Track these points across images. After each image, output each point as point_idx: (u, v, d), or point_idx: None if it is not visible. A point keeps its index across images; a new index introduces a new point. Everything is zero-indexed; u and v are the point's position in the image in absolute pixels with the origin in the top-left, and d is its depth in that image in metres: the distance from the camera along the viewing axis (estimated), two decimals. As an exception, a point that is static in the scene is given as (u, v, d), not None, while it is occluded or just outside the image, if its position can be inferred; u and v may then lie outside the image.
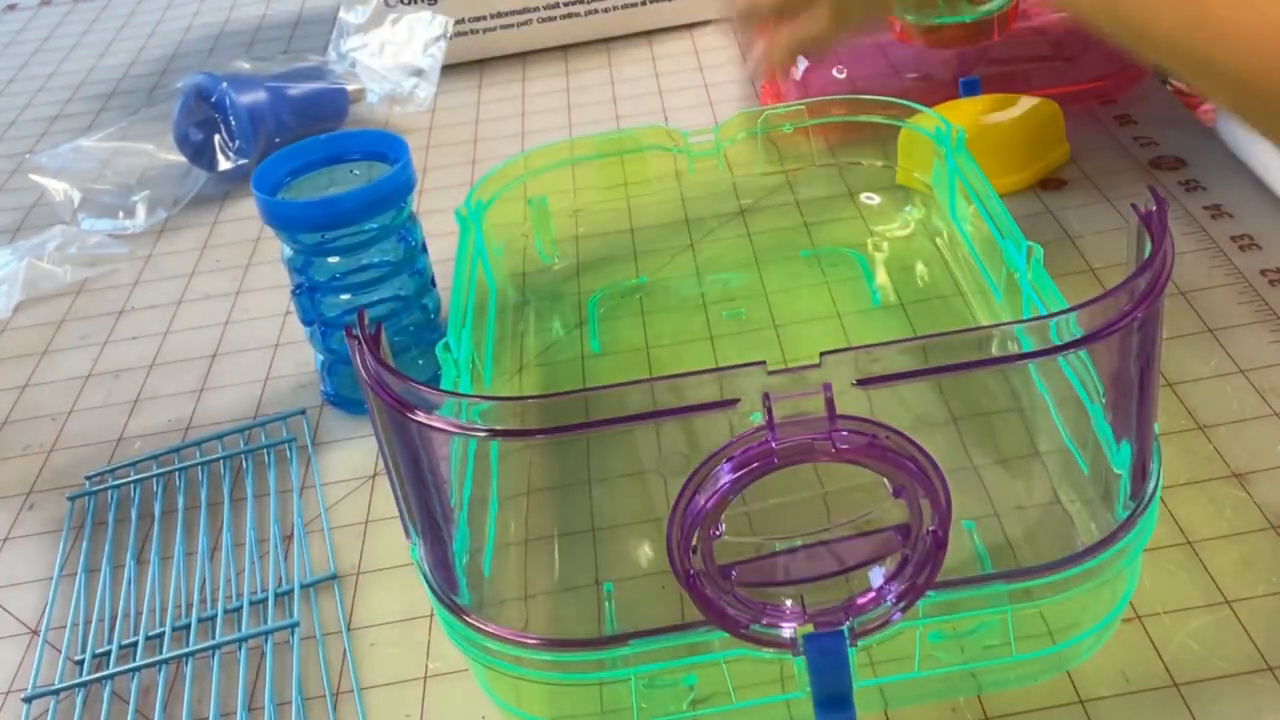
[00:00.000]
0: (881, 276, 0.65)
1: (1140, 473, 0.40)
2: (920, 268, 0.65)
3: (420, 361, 0.62)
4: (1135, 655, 0.45)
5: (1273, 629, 0.45)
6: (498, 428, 0.37)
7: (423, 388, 0.37)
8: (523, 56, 0.99)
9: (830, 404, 0.35)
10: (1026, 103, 0.73)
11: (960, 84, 0.75)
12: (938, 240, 0.66)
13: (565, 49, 0.99)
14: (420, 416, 0.37)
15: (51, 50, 1.22)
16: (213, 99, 0.85)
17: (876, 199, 0.71)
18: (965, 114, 0.72)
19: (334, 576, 0.54)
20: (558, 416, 0.37)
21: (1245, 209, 0.68)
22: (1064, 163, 0.74)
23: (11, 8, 1.36)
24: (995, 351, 0.37)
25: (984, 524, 0.48)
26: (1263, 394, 0.55)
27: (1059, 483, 0.50)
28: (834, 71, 0.80)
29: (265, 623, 0.52)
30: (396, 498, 0.41)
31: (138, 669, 0.50)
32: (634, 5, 0.95)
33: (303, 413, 0.63)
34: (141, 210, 0.85)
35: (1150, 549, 0.48)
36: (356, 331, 0.38)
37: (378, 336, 0.39)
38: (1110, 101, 0.80)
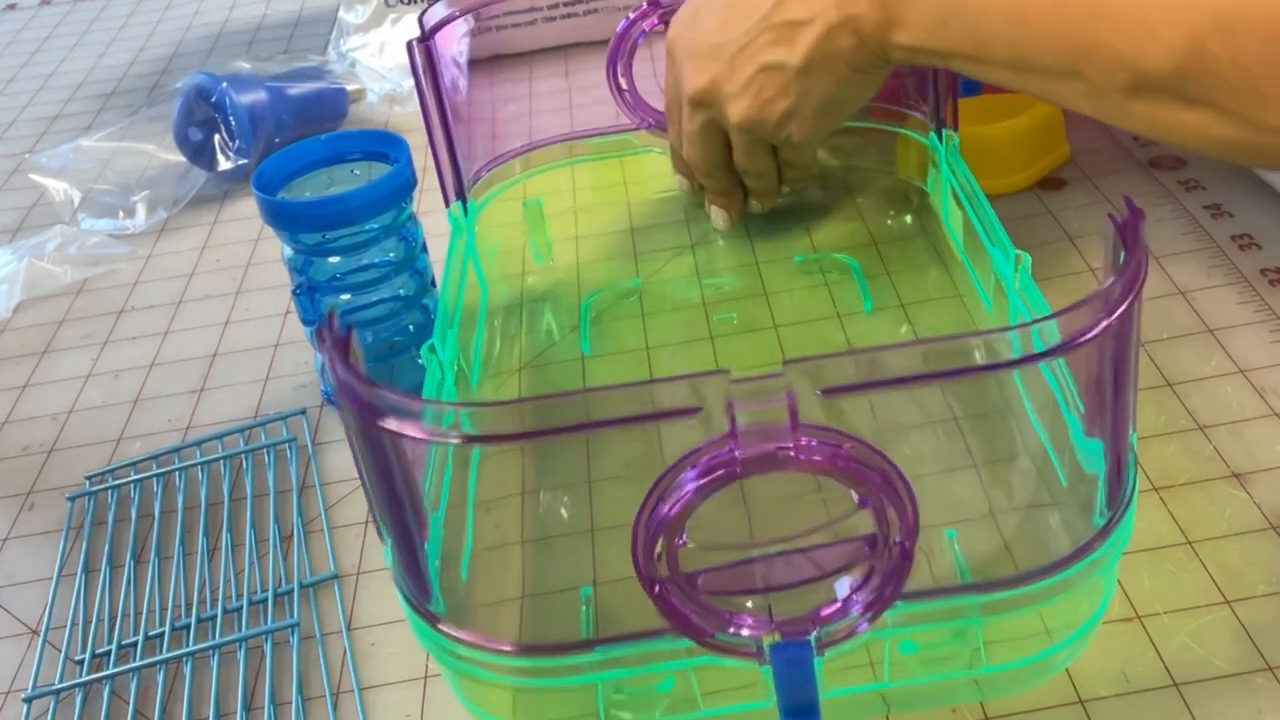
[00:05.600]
0: (875, 281, 0.65)
1: (1116, 479, 0.40)
2: (913, 273, 0.65)
3: (420, 362, 0.62)
4: (1135, 655, 0.45)
5: (1273, 629, 0.45)
6: (459, 434, 0.37)
7: (388, 392, 0.36)
8: (524, 56, 0.99)
9: (794, 413, 0.34)
10: (1026, 103, 0.73)
11: (960, 84, 0.75)
12: (931, 246, 0.66)
13: (566, 49, 0.99)
14: (391, 423, 0.36)
15: (51, 50, 1.22)
16: (213, 99, 0.85)
17: (872, 203, 0.71)
18: (965, 114, 0.72)
19: (334, 576, 0.54)
20: (525, 422, 0.37)
21: (1245, 209, 0.68)
22: (1064, 163, 0.74)
23: (11, 8, 1.36)
24: (963, 362, 0.36)
25: (965, 533, 0.48)
26: (1263, 394, 0.55)
27: (1039, 492, 0.50)
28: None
29: (265, 623, 0.52)
30: (369, 502, 0.41)
31: (138, 669, 0.50)
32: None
33: (303, 413, 0.63)
34: (141, 210, 0.85)
35: (1150, 549, 0.49)
36: (326, 334, 0.38)
37: (348, 339, 0.38)
38: (1110, 102, 0.80)
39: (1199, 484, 0.51)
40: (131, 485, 0.61)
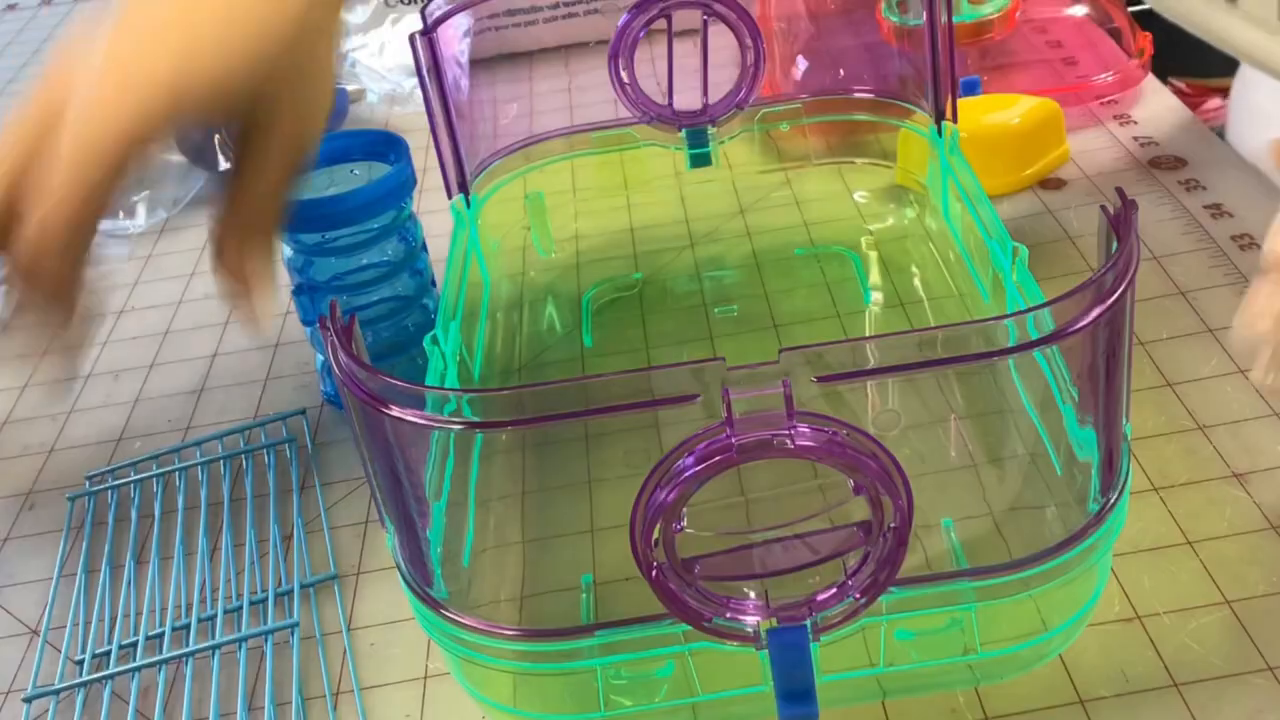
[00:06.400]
0: (875, 276, 0.66)
1: (1108, 468, 0.41)
2: (913, 268, 0.65)
3: (420, 361, 0.62)
4: (1135, 655, 0.45)
5: (1273, 629, 0.45)
6: (461, 420, 0.38)
7: (391, 379, 0.37)
8: (524, 56, 0.99)
9: (789, 400, 0.35)
10: (1026, 103, 0.73)
11: (960, 84, 0.75)
12: (931, 240, 0.66)
13: (566, 49, 0.99)
14: (394, 410, 0.37)
15: (52, 51, 1.21)
16: (213, 99, 0.85)
17: (871, 198, 0.71)
18: (965, 114, 0.72)
19: (334, 577, 0.54)
20: (525, 408, 0.37)
21: (1245, 208, 0.68)
22: (1064, 163, 0.74)
23: (11, 8, 1.36)
24: (958, 350, 0.37)
25: (961, 523, 0.48)
26: (1263, 394, 0.55)
27: (1034, 481, 0.50)
28: (831, 72, 0.80)
29: (265, 623, 0.52)
30: (372, 488, 0.42)
31: (138, 669, 0.50)
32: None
33: (303, 413, 0.63)
34: (141, 210, 0.85)
35: (1150, 549, 0.49)
36: (328, 324, 0.39)
37: (350, 328, 0.39)
38: (1110, 101, 0.80)
39: (1199, 484, 0.51)
40: (131, 485, 0.61)
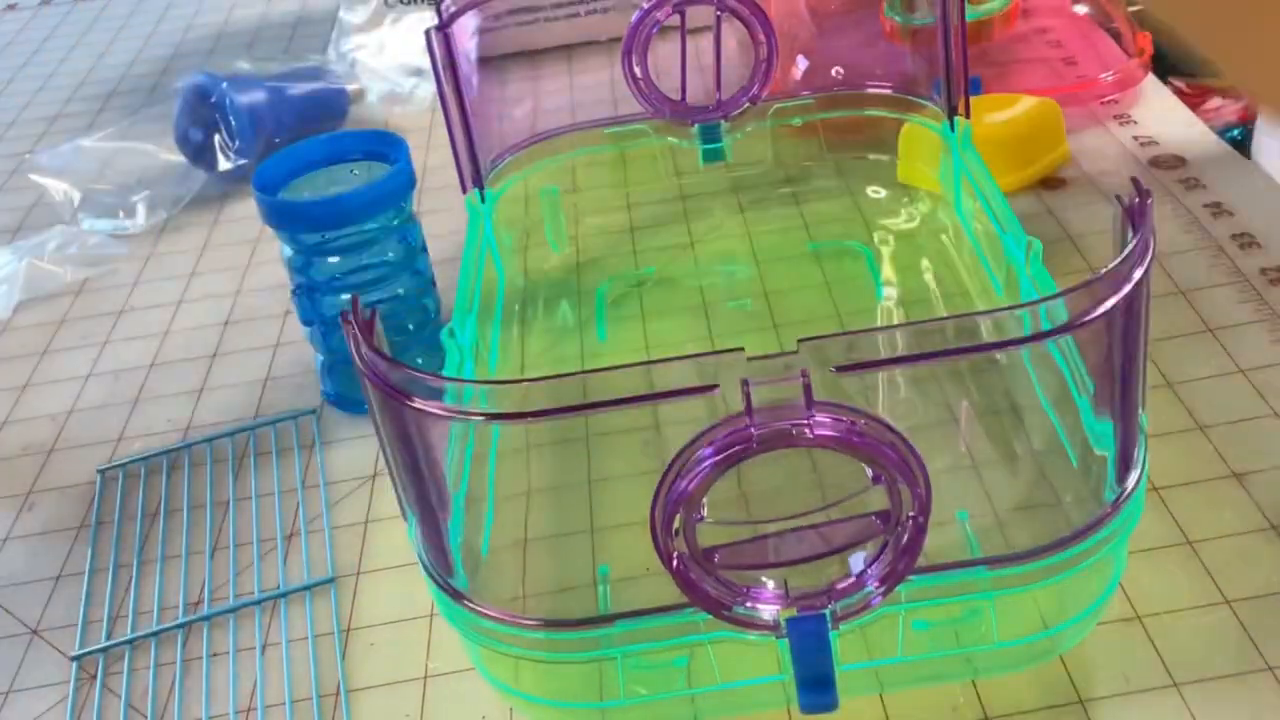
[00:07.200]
0: (888, 271, 0.66)
1: (1125, 459, 0.41)
2: (925, 263, 0.65)
3: (420, 361, 0.62)
4: (1135, 655, 0.45)
5: (1273, 629, 0.45)
6: (480, 411, 0.38)
7: (415, 372, 0.38)
8: (533, 54, 0.99)
9: (808, 390, 0.35)
10: (1026, 103, 0.73)
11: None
12: (943, 236, 0.66)
13: (570, 49, 0.99)
14: (416, 403, 0.38)
15: (51, 50, 1.22)
16: (213, 99, 0.85)
17: (883, 193, 0.71)
18: (965, 113, 0.72)
19: (333, 578, 0.54)
20: (543, 400, 0.38)
21: (1245, 208, 0.68)
22: (1064, 163, 0.74)
23: (11, 8, 1.36)
24: (973, 341, 0.37)
25: (977, 516, 0.48)
26: (1263, 394, 0.55)
27: (1050, 474, 0.50)
28: (833, 72, 0.80)
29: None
30: (393, 480, 0.42)
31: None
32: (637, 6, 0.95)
33: (298, 417, 0.63)
34: (141, 210, 0.85)
35: (1150, 549, 0.49)
36: (350, 318, 0.39)
37: (371, 322, 0.39)
38: (1110, 101, 0.80)
39: (1199, 484, 0.51)
40: (132, 484, 0.61)
